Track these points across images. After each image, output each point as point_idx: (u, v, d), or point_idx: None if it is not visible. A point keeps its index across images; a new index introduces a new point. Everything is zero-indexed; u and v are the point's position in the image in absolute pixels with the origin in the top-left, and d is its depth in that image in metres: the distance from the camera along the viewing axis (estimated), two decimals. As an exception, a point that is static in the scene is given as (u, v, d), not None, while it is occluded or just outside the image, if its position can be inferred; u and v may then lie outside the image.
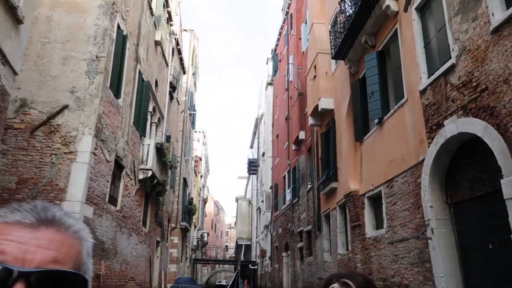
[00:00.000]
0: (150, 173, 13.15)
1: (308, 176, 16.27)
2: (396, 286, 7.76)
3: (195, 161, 34.30)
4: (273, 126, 26.91)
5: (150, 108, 14.46)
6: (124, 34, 10.87)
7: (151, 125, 15.10)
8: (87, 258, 0.62)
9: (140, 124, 12.85)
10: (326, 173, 12.75)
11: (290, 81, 20.64)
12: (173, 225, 22.12)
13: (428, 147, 6.84)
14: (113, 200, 10.62)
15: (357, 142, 10.42)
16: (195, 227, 34.00)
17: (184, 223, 24.12)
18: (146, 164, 13.20)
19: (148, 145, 13.51)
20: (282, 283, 19.89)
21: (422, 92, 7.16)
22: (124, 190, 11.50)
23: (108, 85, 9.75)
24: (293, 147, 18.78)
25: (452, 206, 6.64)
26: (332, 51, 11.37)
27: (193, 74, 29.22)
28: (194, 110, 29.29)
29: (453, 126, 6.15)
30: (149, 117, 14.44)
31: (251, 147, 43.33)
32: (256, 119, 38.57)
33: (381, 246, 8.58)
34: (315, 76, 13.89)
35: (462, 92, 6.03)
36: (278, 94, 25.33)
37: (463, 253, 6.36)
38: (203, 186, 47.16)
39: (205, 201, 48.29)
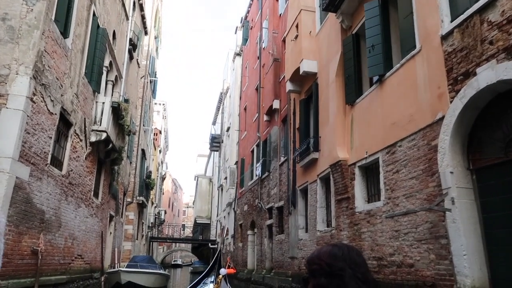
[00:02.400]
0: (104, 135, 11.28)
1: (281, 148, 15.03)
2: (396, 266, 6.72)
3: (154, 133, 32.13)
4: (240, 98, 25.36)
5: (106, 63, 12.44)
6: (76, -39, 8.87)
7: (106, 83, 13.07)
8: None
9: (93, 77, 10.89)
10: (305, 143, 11.53)
11: (263, 48, 19.12)
12: (129, 199, 20.26)
13: (451, 102, 5.71)
14: (57, 162, 8.78)
15: (348, 105, 9.21)
16: (152, 203, 32.11)
17: (141, 198, 22.27)
18: (100, 125, 11.31)
19: (103, 103, 11.59)
20: (246, 263, 18.79)
21: (445, 37, 5.98)
22: (72, 153, 9.65)
23: (53, 17, 7.82)
24: (265, 118, 17.42)
25: (475, 172, 5.59)
26: (323, 2, 10.00)
27: (156, 38, 26.85)
28: (156, 77, 27.02)
29: (491, 73, 5.01)
30: (105, 72, 12.42)
31: (214, 123, 41.42)
32: (221, 93, 36.67)
33: (376, 221, 7.49)
34: (296, 36, 12.47)
35: (506, 30, 4.87)
36: (248, 64, 23.74)
37: (487, 228, 5.34)
38: (162, 162, 45.03)
39: (163, 178, 46.25)
